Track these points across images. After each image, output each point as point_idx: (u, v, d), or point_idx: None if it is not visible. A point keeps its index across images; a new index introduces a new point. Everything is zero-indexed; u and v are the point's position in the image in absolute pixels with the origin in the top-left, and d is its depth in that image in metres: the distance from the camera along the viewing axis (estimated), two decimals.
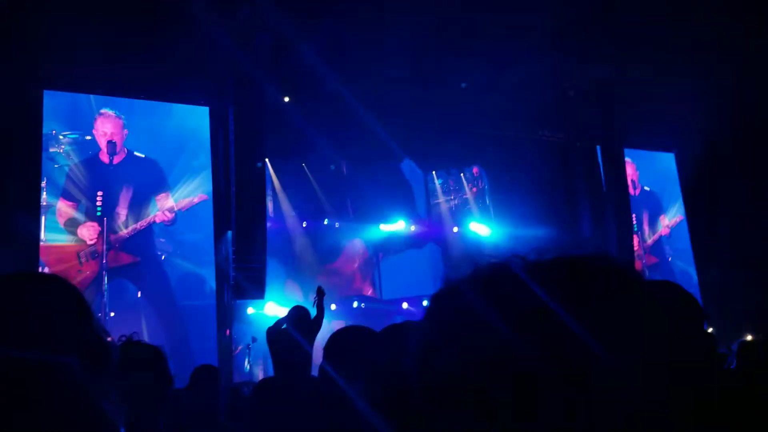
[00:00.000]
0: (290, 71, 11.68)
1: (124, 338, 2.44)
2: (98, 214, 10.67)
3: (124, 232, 10.75)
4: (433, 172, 16.74)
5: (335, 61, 11.68)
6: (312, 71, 11.77)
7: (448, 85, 12.66)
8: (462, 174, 16.72)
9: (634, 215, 14.87)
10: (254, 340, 12.00)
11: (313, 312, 5.34)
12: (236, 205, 10.74)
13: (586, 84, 13.33)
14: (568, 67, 12.92)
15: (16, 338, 1.04)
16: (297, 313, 5.07)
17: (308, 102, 12.06)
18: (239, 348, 11.98)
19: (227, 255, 11.04)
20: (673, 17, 10.83)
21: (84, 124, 10.99)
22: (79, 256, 10.47)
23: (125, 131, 11.16)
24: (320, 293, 5.59)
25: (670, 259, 15.84)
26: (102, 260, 10.54)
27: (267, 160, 13.00)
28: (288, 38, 11.21)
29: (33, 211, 10.10)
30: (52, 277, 1.24)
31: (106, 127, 11.05)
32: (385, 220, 15.85)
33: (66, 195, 10.60)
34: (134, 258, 10.84)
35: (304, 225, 14.83)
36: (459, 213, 16.74)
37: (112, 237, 10.76)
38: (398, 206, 16.11)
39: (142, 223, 10.95)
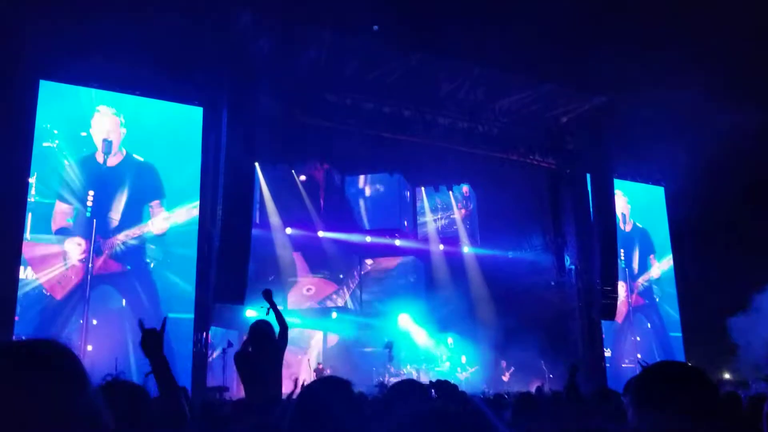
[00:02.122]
0: (286, 78, 11.69)
1: (109, 378, 2.41)
2: (88, 215, 10.43)
3: (115, 239, 10.59)
4: (422, 189, 16.78)
5: (331, 70, 11.72)
6: (307, 79, 11.81)
7: (441, 104, 12.70)
8: (451, 192, 16.76)
9: (622, 251, 14.87)
10: (230, 344, 11.92)
11: (272, 321, 4.95)
12: (223, 208, 10.70)
13: (580, 112, 13.42)
14: (563, 94, 13.01)
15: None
16: (259, 332, 4.70)
17: (305, 109, 12.06)
18: (216, 353, 11.90)
19: (209, 258, 10.97)
20: (668, 49, 10.94)
21: (81, 120, 10.71)
22: (65, 259, 10.17)
23: (123, 130, 10.96)
24: (267, 297, 5.02)
25: (657, 300, 15.81)
26: (87, 264, 10.30)
27: (257, 164, 12.99)
28: (286, 45, 11.24)
29: (19, 205, 9.88)
30: (47, 347, 1.22)
31: (103, 124, 10.85)
32: (371, 232, 15.88)
33: (62, 198, 10.28)
34: (123, 267, 10.59)
35: (288, 231, 14.79)
36: (446, 231, 16.76)
37: (102, 242, 10.46)
38: (385, 218, 16.13)
39: (135, 232, 10.74)
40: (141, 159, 11.06)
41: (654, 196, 16.26)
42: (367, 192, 16.33)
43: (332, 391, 2.02)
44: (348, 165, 15.30)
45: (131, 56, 10.51)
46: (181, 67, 11.10)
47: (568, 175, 14.25)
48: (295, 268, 15.38)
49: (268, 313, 5.01)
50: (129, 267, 10.68)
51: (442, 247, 16.41)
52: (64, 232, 10.31)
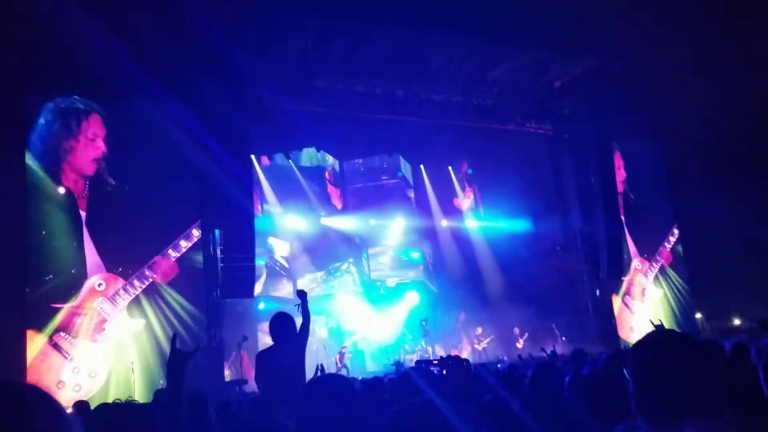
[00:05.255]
0: (274, 67, 11.60)
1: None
2: None
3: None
4: (422, 166, 16.72)
5: (318, 56, 11.62)
6: (300, 65, 11.71)
7: (433, 80, 12.60)
8: (450, 167, 16.72)
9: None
10: (245, 337, 12.00)
11: (292, 314, 5.01)
12: (223, 202, 10.68)
13: (572, 76, 13.28)
14: (554, 59, 12.86)
15: None
16: (282, 326, 4.68)
17: (296, 96, 11.99)
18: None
19: (215, 253, 10.98)
20: (661, 7, 10.80)
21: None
22: None
23: None
24: (302, 296, 5.22)
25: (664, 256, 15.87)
26: None
27: (253, 156, 12.96)
28: (271, 35, 11.12)
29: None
30: (24, 394, 1.18)
31: None
32: (375, 215, 15.86)
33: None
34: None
35: (288, 221, 14.73)
36: (449, 206, 16.75)
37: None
38: (387, 200, 16.12)
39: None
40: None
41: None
42: (367, 175, 16.32)
43: (333, 391, 2.02)
44: (345, 149, 15.22)
45: (117, 63, 10.40)
46: (168, 68, 10.99)
47: (566, 140, 14.19)
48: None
49: (299, 310, 5.12)
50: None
51: (445, 223, 16.41)
52: None
